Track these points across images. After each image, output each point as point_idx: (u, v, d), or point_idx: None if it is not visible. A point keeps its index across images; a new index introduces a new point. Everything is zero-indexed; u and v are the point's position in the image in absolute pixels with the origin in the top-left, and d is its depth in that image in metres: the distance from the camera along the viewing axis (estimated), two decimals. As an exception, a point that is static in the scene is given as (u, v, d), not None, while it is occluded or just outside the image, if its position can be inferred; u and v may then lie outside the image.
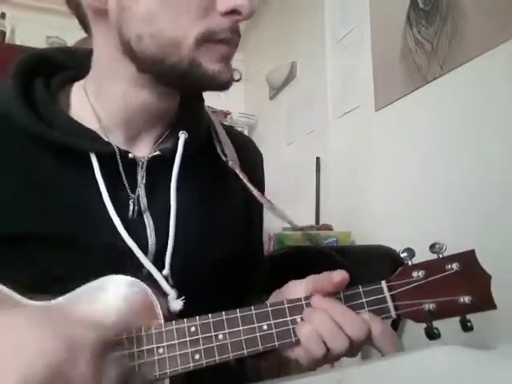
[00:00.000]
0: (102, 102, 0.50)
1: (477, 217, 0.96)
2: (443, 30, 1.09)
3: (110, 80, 0.48)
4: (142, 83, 0.47)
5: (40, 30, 2.31)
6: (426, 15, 1.16)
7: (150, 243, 0.48)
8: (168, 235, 0.48)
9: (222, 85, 0.47)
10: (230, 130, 0.64)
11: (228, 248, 0.55)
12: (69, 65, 0.54)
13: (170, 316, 0.42)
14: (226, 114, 2.57)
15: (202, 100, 0.58)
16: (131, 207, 0.48)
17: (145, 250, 0.47)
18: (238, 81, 2.98)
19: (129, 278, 0.40)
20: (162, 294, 0.44)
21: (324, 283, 0.41)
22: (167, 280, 0.47)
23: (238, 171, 0.54)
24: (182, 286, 0.48)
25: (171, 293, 0.45)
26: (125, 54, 0.45)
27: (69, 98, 0.51)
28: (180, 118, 0.54)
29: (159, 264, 0.47)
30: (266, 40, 2.53)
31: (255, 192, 0.53)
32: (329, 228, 1.53)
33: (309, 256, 1.03)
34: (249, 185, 0.53)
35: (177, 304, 0.44)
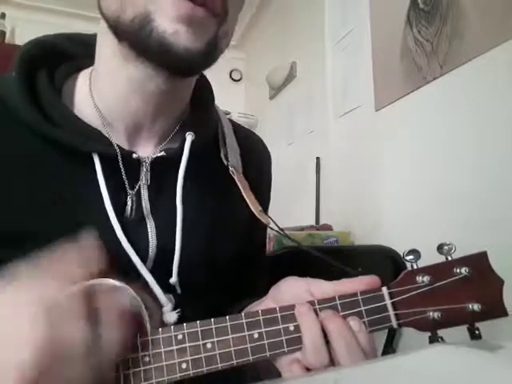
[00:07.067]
0: (100, 91, 0.48)
1: (476, 216, 0.96)
2: (443, 30, 1.09)
3: (103, 63, 0.46)
4: (125, 56, 0.43)
5: (40, 29, 2.29)
6: (426, 15, 1.16)
7: (150, 248, 0.46)
8: (173, 240, 0.46)
9: (181, 53, 0.38)
10: (239, 130, 0.62)
11: (229, 250, 0.54)
12: (75, 52, 0.51)
13: (163, 326, 0.41)
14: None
15: (213, 99, 0.57)
16: (129, 204, 0.46)
17: (145, 255, 0.46)
18: (238, 81, 2.99)
19: (117, 283, 0.37)
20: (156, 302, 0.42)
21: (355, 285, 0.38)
22: (174, 287, 0.46)
23: (236, 178, 0.53)
24: (187, 291, 0.46)
25: (167, 305, 0.43)
26: (107, 24, 0.43)
27: (73, 91, 0.49)
28: (189, 118, 0.53)
29: (160, 269, 0.46)
30: (266, 40, 2.53)
31: (250, 203, 0.52)
32: (329, 228, 1.53)
33: (309, 256, 1.03)
34: (245, 195, 0.52)
35: (171, 316, 0.42)
